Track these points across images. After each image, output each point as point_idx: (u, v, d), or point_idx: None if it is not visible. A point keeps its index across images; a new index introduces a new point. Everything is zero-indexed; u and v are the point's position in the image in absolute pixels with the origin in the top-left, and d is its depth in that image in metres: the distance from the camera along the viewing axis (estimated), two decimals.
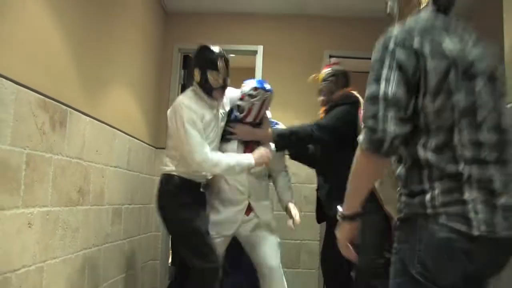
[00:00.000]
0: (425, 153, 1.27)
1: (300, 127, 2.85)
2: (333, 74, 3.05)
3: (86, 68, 2.65)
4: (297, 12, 4.45)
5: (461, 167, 1.23)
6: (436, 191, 1.24)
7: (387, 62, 1.27)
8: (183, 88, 4.55)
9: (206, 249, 2.62)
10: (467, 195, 1.22)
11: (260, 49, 4.45)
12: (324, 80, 3.05)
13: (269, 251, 2.83)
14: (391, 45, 1.29)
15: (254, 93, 2.80)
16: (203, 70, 2.65)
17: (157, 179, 4.07)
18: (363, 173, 1.34)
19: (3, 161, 1.83)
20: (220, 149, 2.81)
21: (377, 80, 1.27)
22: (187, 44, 4.50)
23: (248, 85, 2.86)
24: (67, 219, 2.42)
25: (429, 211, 1.25)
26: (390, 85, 1.24)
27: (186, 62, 4.60)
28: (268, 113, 2.99)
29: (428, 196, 1.25)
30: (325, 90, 3.05)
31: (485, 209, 1.21)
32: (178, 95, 4.41)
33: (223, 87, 2.71)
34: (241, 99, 2.85)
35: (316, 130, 2.78)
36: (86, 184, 2.67)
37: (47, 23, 2.19)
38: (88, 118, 2.68)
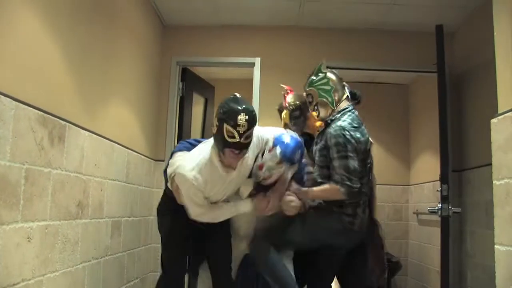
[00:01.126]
0: None
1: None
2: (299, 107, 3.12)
3: (85, 83, 2.69)
4: (293, 23, 4.50)
5: None
6: None
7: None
8: (182, 101, 4.60)
9: (170, 258, 2.70)
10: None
11: (257, 61, 4.48)
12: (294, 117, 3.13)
13: None
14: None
15: (276, 166, 2.47)
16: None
17: (156, 191, 4.19)
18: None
19: (3, 176, 1.86)
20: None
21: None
22: (185, 57, 4.56)
23: (272, 152, 2.46)
24: (66, 233, 2.44)
25: None
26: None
27: (185, 74, 4.65)
28: None
29: None
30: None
31: None
32: (177, 107, 4.49)
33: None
34: (260, 168, 2.50)
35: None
36: (85, 198, 2.70)
37: (45, 40, 2.24)
38: (86, 132, 2.71)
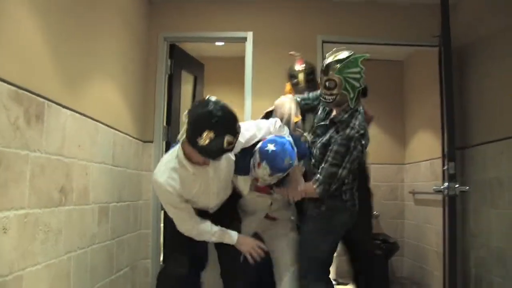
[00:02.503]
0: None
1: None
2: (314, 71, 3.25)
3: (64, 58, 2.44)
4: None
5: None
6: None
7: None
8: (170, 79, 4.36)
9: (175, 252, 2.62)
10: None
11: (249, 35, 4.22)
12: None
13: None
14: None
15: (271, 178, 2.41)
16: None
17: (145, 174, 3.98)
18: None
19: None
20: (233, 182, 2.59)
21: None
22: (173, 33, 4.30)
23: (260, 169, 2.37)
24: (48, 222, 2.23)
25: None
26: None
27: (173, 51, 4.39)
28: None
29: None
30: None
31: None
32: (165, 86, 4.25)
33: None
34: (257, 181, 2.49)
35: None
36: (69, 183, 2.48)
37: (20, 10, 1.99)
38: (68, 111, 2.47)
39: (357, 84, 2.45)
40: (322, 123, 2.64)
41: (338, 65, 2.43)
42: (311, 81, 3.25)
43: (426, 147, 5.07)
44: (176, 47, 4.45)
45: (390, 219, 5.70)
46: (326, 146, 2.53)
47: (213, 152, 2.17)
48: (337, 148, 2.45)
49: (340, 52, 2.49)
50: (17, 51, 1.98)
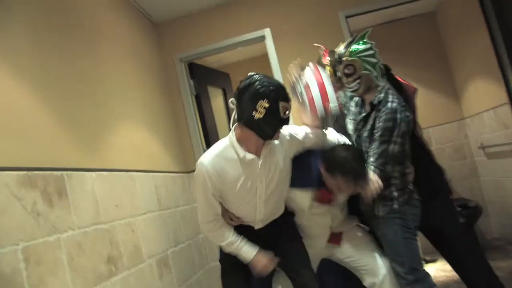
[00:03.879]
0: None
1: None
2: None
3: (74, 120, 2.22)
4: None
5: None
6: None
7: None
8: (198, 99, 4.11)
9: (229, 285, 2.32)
10: None
11: (267, 32, 3.90)
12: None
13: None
14: None
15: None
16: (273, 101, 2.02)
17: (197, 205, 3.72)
18: None
19: None
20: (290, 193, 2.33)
21: None
22: (188, 51, 4.04)
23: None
24: None
25: None
26: None
27: (193, 70, 4.14)
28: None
29: None
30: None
31: None
32: (194, 107, 4.01)
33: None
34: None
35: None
36: (115, 249, 2.26)
37: (16, 89, 1.77)
38: (93, 173, 2.25)
39: (374, 60, 2.32)
40: (360, 116, 2.42)
41: (348, 49, 2.34)
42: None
43: (484, 95, 4.60)
44: (195, 65, 4.20)
45: (463, 180, 5.20)
46: (372, 133, 2.30)
47: (272, 125, 2.03)
48: (383, 124, 2.23)
49: (342, 43, 2.42)
50: (18, 131, 1.77)
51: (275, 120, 2.01)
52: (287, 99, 2.04)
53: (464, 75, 5.05)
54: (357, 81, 2.31)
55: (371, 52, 2.31)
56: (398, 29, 5.22)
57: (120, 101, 2.85)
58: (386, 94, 2.30)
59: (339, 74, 2.91)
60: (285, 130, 2.21)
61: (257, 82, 1.99)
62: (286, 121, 2.06)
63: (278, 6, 3.95)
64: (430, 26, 5.41)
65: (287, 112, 2.03)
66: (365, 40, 2.32)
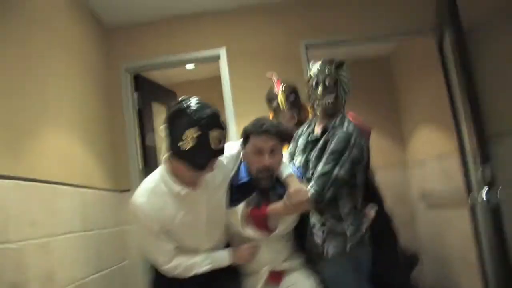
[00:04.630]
0: None
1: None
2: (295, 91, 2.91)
3: None
4: (260, 2, 3.74)
5: None
6: None
7: None
8: (140, 114, 3.82)
9: None
10: None
11: (222, 52, 3.72)
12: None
13: None
14: None
15: None
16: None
17: (129, 228, 3.39)
18: None
19: None
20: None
21: None
22: (135, 62, 3.77)
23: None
24: None
25: None
26: None
27: (138, 82, 3.85)
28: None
29: None
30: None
31: None
32: (135, 123, 3.72)
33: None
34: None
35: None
36: (21, 274, 1.90)
37: None
38: (9, 181, 1.91)
39: (347, 89, 2.27)
40: (311, 136, 2.28)
41: (332, 66, 2.25)
42: (293, 103, 2.86)
43: (430, 143, 4.61)
44: (141, 77, 3.92)
45: (401, 227, 5.15)
46: (321, 155, 2.14)
47: (201, 156, 1.86)
48: (334, 146, 2.10)
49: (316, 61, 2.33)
50: None
51: (206, 150, 1.85)
52: (220, 127, 1.87)
53: (412, 120, 5.09)
54: (334, 95, 2.21)
55: (347, 81, 2.26)
56: (353, 69, 5.17)
57: (52, 104, 2.52)
58: (344, 119, 2.21)
59: (291, 99, 2.79)
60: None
61: (188, 108, 1.82)
62: (219, 152, 1.91)
63: (238, 25, 3.78)
64: (383, 71, 5.50)
65: (220, 144, 1.88)
66: (343, 68, 2.26)
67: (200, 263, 2.02)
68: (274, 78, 2.90)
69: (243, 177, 2.13)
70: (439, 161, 4.37)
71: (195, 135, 1.79)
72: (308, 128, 2.36)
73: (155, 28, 3.78)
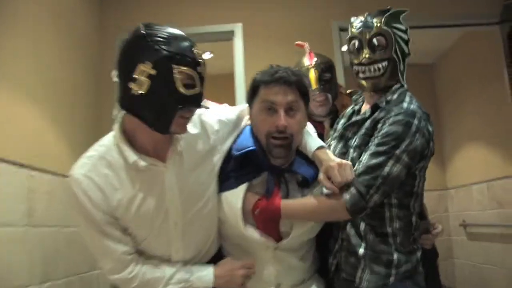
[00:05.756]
0: None
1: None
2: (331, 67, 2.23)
3: None
4: None
5: None
6: None
7: None
8: None
9: None
10: None
11: (237, 28, 3.12)
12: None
13: None
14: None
15: None
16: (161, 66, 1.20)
17: None
18: None
19: None
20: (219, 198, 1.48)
21: None
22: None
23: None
24: None
25: None
26: None
27: None
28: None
29: None
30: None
31: None
32: None
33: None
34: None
35: None
36: None
37: None
38: None
39: (406, 49, 1.60)
40: (351, 120, 1.63)
41: (382, 18, 1.57)
42: (328, 83, 2.18)
43: (477, 165, 4.09)
44: None
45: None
46: (367, 141, 1.49)
47: (162, 106, 1.20)
48: (388, 128, 1.42)
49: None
50: None
51: (170, 97, 1.19)
52: (191, 62, 1.19)
53: (455, 140, 4.57)
54: (384, 63, 1.54)
55: (405, 37, 1.58)
56: None
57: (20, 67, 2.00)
58: (403, 94, 1.54)
59: (325, 77, 2.14)
60: (212, 114, 1.47)
61: (144, 36, 1.18)
62: (193, 102, 1.23)
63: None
64: (426, 80, 4.92)
65: (194, 89, 1.20)
66: (398, 18, 1.58)
67: (167, 280, 1.35)
68: (307, 48, 2.25)
69: (247, 145, 1.46)
70: (487, 186, 3.86)
71: (151, 72, 1.15)
72: (351, 109, 1.72)
73: None
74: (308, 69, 2.17)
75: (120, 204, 1.28)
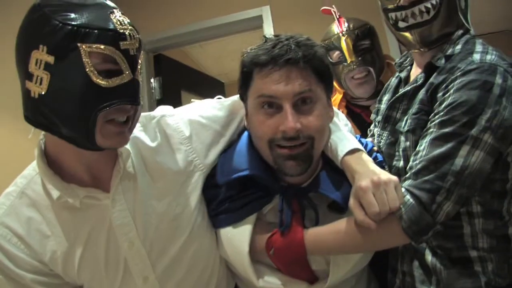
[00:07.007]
0: None
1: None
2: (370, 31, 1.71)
3: None
4: None
5: None
6: None
7: None
8: (160, 104, 2.86)
9: None
10: None
11: (266, 11, 2.70)
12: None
13: None
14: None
15: None
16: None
17: None
18: None
19: None
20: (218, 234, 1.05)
21: None
22: (154, 35, 2.84)
23: None
24: None
25: None
26: None
27: (160, 64, 2.91)
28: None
29: None
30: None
31: None
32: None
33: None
34: None
35: None
36: None
37: None
38: None
39: None
40: (399, 93, 1.12)
41: None
42: (368, 52, 1.66)
43: None
44: (165, 58, 2.96)
45: None
46: (423, 121, 0.99)
47: (72, 112, 0.77)
48: (455, 97, 0.91)
49: None
50: None
51: (82, 92, 0.76)
52: (109, 37, 0.77)
53: None
54: (433, 0, 1.00)
55: None
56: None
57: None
58: (470, 43, 1.01)
59: (363, 45, 1.63)
60: (180, 114, 1.03)
61: (36, 8, 0.78)
62: (118, 93, 0.79)
63: None
64: None
65: (117, 70, 0.78)
66: None
67: None
68: (335, 13, 1.73)
69: (238, 166, 0.99)
70: None
71: (48, 59, 0.74)
72: (396, 78, 1.23)
73: None
74: (339, 38, 1.66)
75: (54, 257, 0.87)
